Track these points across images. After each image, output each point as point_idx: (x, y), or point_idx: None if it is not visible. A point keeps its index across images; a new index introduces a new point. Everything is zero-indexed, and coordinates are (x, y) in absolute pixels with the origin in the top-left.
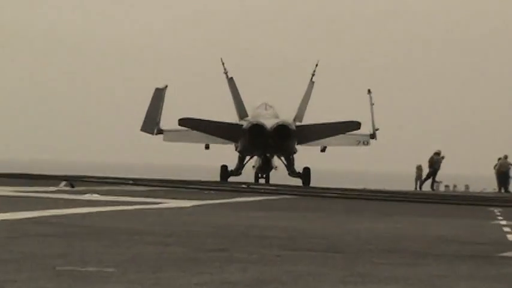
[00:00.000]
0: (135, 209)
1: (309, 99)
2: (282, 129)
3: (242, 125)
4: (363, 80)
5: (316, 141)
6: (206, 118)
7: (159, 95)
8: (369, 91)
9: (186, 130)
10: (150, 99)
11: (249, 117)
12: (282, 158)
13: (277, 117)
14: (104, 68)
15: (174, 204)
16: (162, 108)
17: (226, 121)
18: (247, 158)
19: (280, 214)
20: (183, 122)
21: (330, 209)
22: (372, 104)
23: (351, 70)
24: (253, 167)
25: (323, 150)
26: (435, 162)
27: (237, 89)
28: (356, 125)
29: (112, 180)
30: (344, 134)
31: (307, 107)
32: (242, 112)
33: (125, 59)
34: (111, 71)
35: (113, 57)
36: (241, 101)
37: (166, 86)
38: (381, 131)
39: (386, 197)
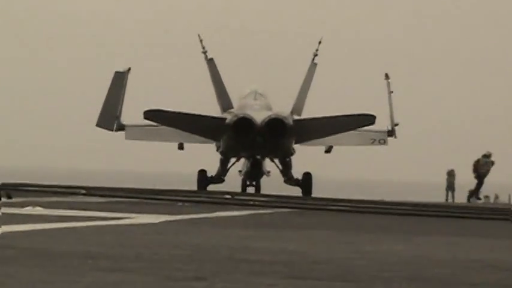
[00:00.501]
0: (89, 226)
1: (309, 86)
2: (275, 124)
3: (225, 119)
4: (378, 62)
5: (320, 140)
6: (179, 110)
7: (119, 81)
8: (387, 76)
9: (155, 126)
10: (108, 86)
11: (234, 109)
12: (276, 160)
13: (269, 108)
14: (49, 46)
15: (139, 219)
16: (123, 98)
17: (205, 114)
18: (232, 160)
19: (274, 233)
20: (149, 114)
21: (336, 226)
22: (390, 93)
23: (362, 50)
24: (240, 172)
25: (328, 151)
26: (481, 166)
27: (218, 73)
28: (370, 119)
29: (59, 190)
30: (355, 130)
31: (308, 97)
32: (225, 103)
33: (75, 38)
34: (58, 51)
35: (62, 35)
36: (224, 89)
37: (129, 69)
38: (401, 127)
39: (408, 211)
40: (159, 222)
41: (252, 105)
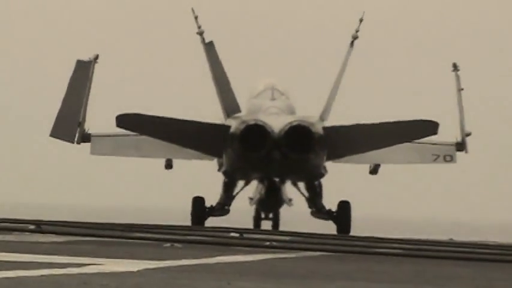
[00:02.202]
0: (41, 277)
1: (340, 81)
2: (298, 134)
3: (229, 127)
4: (440, 47)
5: (361, 156)
6: (164, 115)
7: (82, 74)
8: (455, 67)
9: (131, 135)
10: (67, 80)
11: (243, 114)
12: (301, 185)
13: (292, 112)
14: None
15: (110, 267)
16: (88, 97)
17: (201, 120)
18: (240, 184)
19: (299, 286)
20: (123, 120)
21: (389, 278)
22: (459, 90)
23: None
24: (251, 200)
25: (374, 171)
26: None
27: (220, 63)
28: (431, 127)
29: (0, 225)
30: (411, 142)
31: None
32: (230, 104)
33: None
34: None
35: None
36: (228, 85)
37: (97, 57)
38: (475, 138)
39: (490, 256)
40: (139, 271)
41: (268, 108)
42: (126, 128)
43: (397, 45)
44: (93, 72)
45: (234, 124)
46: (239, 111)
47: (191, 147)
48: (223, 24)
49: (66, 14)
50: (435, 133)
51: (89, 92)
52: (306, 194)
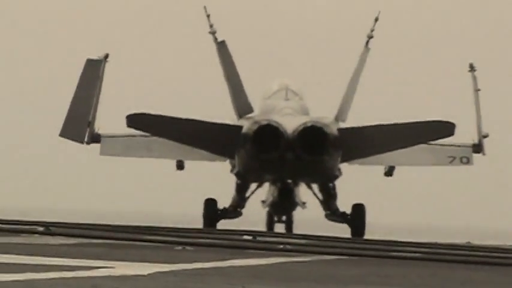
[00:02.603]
0: (50, 280)
1: (358, 81)
2: (312, 135)
3: (241, 127)
4: (454, 48)
5: (376, 157)
6: (174, 115)
7: (93, 73)
8: (472, 67)
9: (141, 136)
10: (76, 80)
11: (255, 114)
12: (315, 187)
13: (306, 112)
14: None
15: (121, 270)
16: (98, 97)
17: (213, 120)
18: (253, 186)
19: None
20: (133, 120)
21: (405, 282)
22: (476, 91)
23: (430, 31)
24: (263, 202)
25: (388, 173)
26: None
27: (232, 63)
28: (447, 128)
29: (6, 227)
30: (426, 143)
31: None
32: (242, 105)
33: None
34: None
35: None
36: (241, 84)
37: (107, 56)
38: (492, 139)
39: (507, 261)
40: (150, 275)
41: (282, 108)
42: (136, 128)
43: (413, 45)
44: (103, 71)
45: (246, 124)
46: (251, 111)
47: (202, 148)
48: (236, 24)
49: (77, 12)
50: (452, 134)
51: (99, 91)
52: (320, 196)
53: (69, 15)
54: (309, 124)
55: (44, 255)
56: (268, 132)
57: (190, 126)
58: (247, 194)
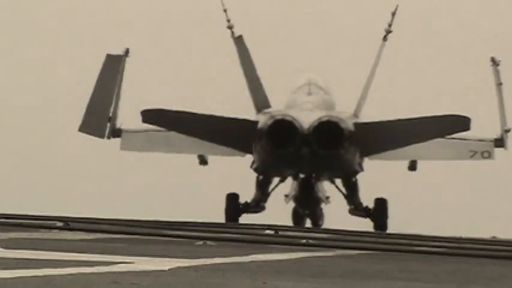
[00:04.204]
0: (69, 276)
1: (374, 74)
2: (328, 130)
3: (257, 122)
4: (477, 41)
5: (398, 152)
6: (190, 110)
7: (113, 68)
8: (494, 61)
9: (162, 131)
10: (96, 75)
11: (273, 109)
12: (339, 182)
13: (330, 107)
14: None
15: (141, 265)
16: (119, 92)
17: (228, 115)
18: (276, 180)
19: (338, 285)
20: (148, 116)
21: (430, 277)
22: (498, 85)
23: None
24: (286, 197)
25: (412, 167)
26: None
27: (249, 58)
28: (462, 123)
29: (25, 222)
30: (447, 138)
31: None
32: (260, 99)
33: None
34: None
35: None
36: (258, 80)
37: (127, 52)
38: None
39: None
40: (170, 270)
41: (303, 103)
42: (151, 123)
43: (434, 38)
44: (123, 67)
45: (262, 119)
46: (268, 106)
47: (219, 143)
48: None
49: (96, 7)
50: (467, 128)
51: (120, 86)
52: (344, 190)
53: (91, 10)
54: (324, 119)
55: (63, 251)
56: (283, 127)
57: (204, 121)
58: (269, 189)
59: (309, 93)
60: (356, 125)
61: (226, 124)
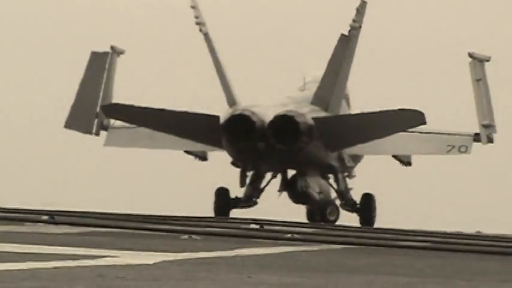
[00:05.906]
0: (54, 269)
1: (352, 60)
2: (284, 124)
3: (218, 118)
4: (454, 34)
5: (373, 146)
6: (152, 105)
7: (99, 65)
8: (471, 56)
9: (147, 128)
10: (83, 71)
11: (240, 105)
12: (335, 177)
13: (323, 103)
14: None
15: (126, 259)
16: (108, 89)
17: (195, 111)
18: (267, 175)
19: (322, 280)
20: (108, 110)
21: (414, 271)
22: (477, 80)
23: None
24: (280, 192)
25: (407, 163)
26: None
27: (215, 54)
28: (417, 118)
29: (11, 216)
30: (404, 131)
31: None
32: (228, 96)
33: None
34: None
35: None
36: (225, 76)
37: (113, 49)
38: (505, 129)
39: None
40: (155, 264)
41: (282, 99)
42: (115, 118)
43: (415, 33)
44: (112, 64)
45: (223, 115)
46: (235, 102)
47: (187, 138)
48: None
49: (86, 4)
50: (423, 123)
51: (107, 83)
52: (335, 186)
53: (81, 8)
54: (280, 113)
55: (48, 244)
56: (240, 122)
57: (167, 116)
58: (261, 184)
59: (302, 89)
60: (315, 119)
61: (188, 119)
